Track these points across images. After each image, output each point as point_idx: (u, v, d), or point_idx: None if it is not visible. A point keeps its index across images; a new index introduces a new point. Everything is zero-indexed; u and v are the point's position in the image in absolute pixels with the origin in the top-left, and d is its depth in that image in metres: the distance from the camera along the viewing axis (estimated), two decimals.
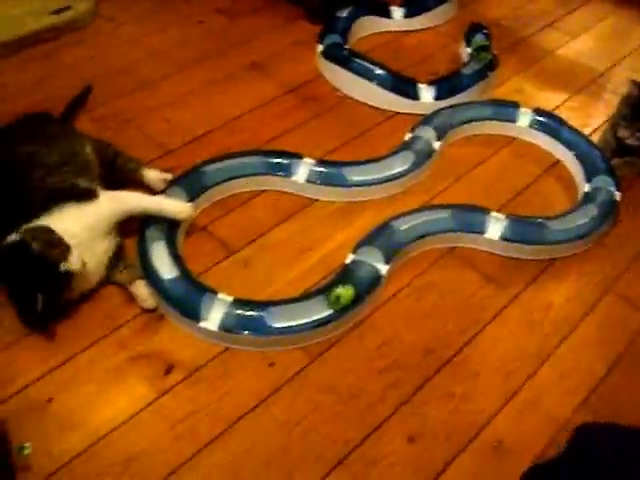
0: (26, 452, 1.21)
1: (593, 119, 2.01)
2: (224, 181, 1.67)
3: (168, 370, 1.35)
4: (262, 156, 1.72)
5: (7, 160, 1.51)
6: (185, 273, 1.45)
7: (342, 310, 1.41)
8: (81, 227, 1.39)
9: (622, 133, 1.77)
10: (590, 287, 1.56)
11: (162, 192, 1.62)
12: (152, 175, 1.64)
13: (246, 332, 1.37)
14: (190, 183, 1.63)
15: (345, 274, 1.48)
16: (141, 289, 1.43)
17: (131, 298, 1.45)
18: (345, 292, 1.41)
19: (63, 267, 1.32)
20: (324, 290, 1.44)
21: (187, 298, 1.41)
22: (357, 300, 1.43)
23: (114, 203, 1.47)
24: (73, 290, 1.40)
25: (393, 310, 1.48)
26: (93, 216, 1.42)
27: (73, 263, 1.33)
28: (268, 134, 1.87)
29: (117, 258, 1.47)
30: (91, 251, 1.40)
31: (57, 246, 1.34)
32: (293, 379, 1.35)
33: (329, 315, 1.40)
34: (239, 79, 2.06)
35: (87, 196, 1.44)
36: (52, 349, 1.37)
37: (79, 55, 2.12)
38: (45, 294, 1.32)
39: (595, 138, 1.91)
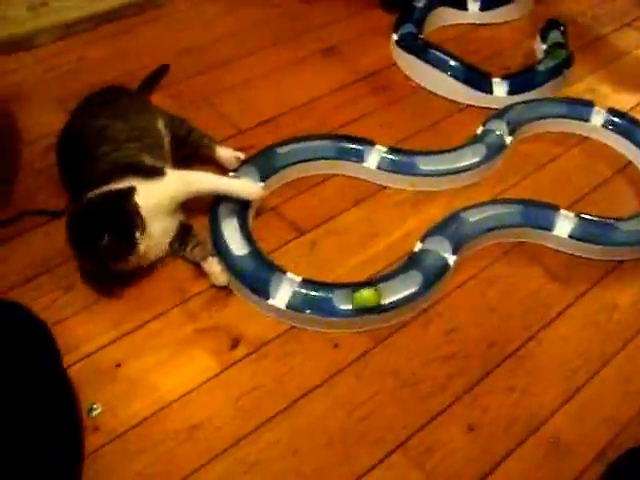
0: (95, 413, 1.26)
1: None
2: (296, 163, 1.69)
3: (234, 344, 1.38)
4: (335, 140, 1.74)
5: (79, 132, 1.55)
6: (256, 251, 1.47)
7: (363, 311, 1.40)
8: (143, 204, 1.40)
9: None
10: None
11: (234, 171, 1.64)
12: (225, 153, 1.67)
13: (313, 312, 1.39)
14: (263, 163, 1.66)
15: (413, 262, 1.49)
16: (214, 266, 1.45)
17: (202, 272, 1.48)
18: (368, 295, 1.40)
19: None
20: (392, 276, 1.46)
21: (257, 275, 1.44)
22: (378, 308, 1.41)
23: (181, 184, 1.48)
24: (129, 260, 1.41)
25: (458, 301, 1.49)
26: (156, 194, 1.44)
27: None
28: (339, 120, 1.88)
29: (184, 236, 1.49)
30: (151, 229, 1.41)
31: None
32: (356, 362, 1.37)
33: (395, 301, 1.41)
34: (312, 64, 2.08)
35: (152, 174, 1.46)
36: (122, 316, 1.41)
37: (157, 33, 2.15)
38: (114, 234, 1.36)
39: None
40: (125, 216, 1.38)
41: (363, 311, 1.40)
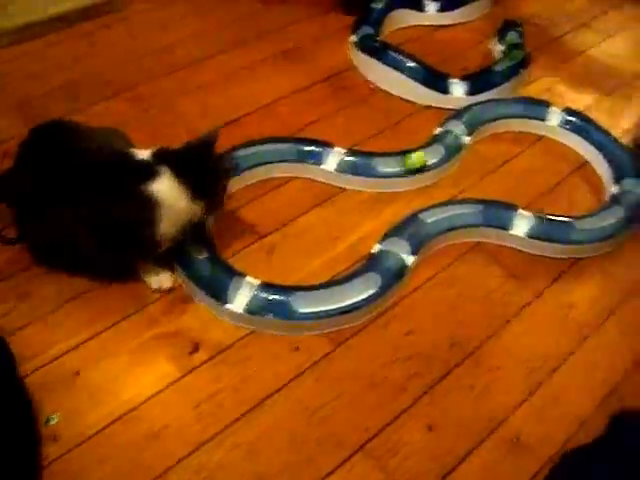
0: (52, 422, 1.24)
1: (623, 120, 2.01)
2: (255, 166, 1.68)
3: (194, 350, 1.37)
4: (294, 143, 1.74)
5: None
6: (214, 255, 1.47)
7: (415, 171, 1.67)
8: None
9: None
10: (614, 288, 1.57)
11: None
12: None
13: (272, 316, 1.39)
14: None
15: (371, 263, 1.49)
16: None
17: None
18: (418, 157, 1.66)
19: None
20: (350, 278, 1.46)
21: (215, 279, 1.43)
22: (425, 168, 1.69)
23: None
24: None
25: (418, 301, 1.50)
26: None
27: None
28: (300, 122, 1.88)
29: None
30: None
31: None
32: (317, 364, 1.37)
33: (354, 303, 1.41)
34: (273, 66, 2.08)
35: None
36: (80, 324, 1.39)
37: (116, 36, 2.14)
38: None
39: (625, 139, 1.91)
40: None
41: (413, 172, 1.66)
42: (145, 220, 1.35)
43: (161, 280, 1.46)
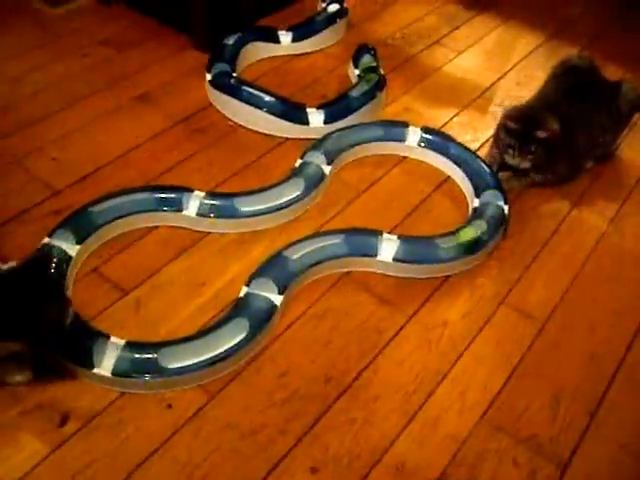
0: None
1: (481, 133, 2.06)
2: (113, 220, 1.63)
3: (63, 421, 1.31)
4: (151, 192, 1.69)
5: None
6: (75, 318, 1.40)
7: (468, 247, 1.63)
8: None
9: (513, 161, 1.83)
10: (483, 301, 1.60)
11: (49, 235, 1.57)
12: None
13: (140, 375, 1.35)
14: (78, 224, 1.59)
15: (239, 308, 1.46)
16: None
17: None
18: (468, 231, 1.64)
19: None
20: (218, 326, 1.43)
21: (78, 344, 1.37)
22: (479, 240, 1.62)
23: None
24: None
25: (290, 340, 1.48)
26: None
27: None
28: (159, 168, 1.84)
29: None
30: None
31: None
32: (192, 419, 1.33)
33: (223, 351, 1.38)
34: (128, 112, 2.03)
35: None
36: None
37: None
38: None
39: (483, 152, 1.96)
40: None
41: (468, 247, 1.62)
42: None
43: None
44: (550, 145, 1.79)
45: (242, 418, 1.34)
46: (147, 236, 1.66)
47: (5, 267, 1.31)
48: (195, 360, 1.36)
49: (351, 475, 1.27)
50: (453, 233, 1.66)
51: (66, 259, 1.53)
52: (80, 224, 1.60)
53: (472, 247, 1.64)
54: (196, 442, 1.30)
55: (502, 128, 1.84)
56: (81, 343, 1.38)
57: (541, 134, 1.77)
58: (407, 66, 2.34)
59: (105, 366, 1.35)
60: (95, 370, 1.35)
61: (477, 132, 2.07)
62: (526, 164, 1.83)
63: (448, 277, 1.63)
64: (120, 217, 1.64)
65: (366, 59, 2.20)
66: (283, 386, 1.39)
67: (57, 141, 1.91)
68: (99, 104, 2.05)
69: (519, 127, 1.80)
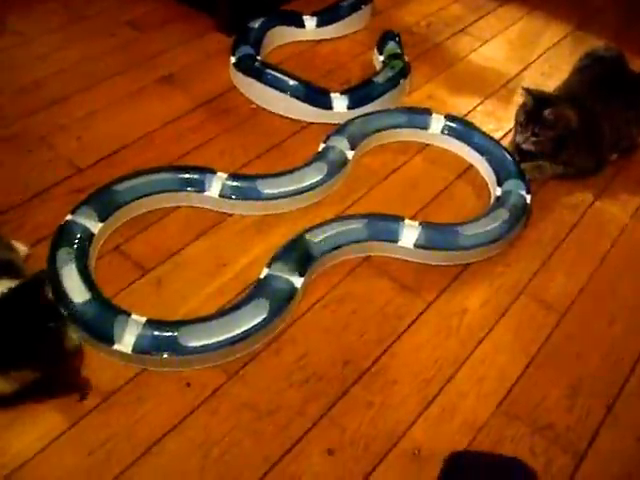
0: None
1: (504, 123, 2.05)
2: (136, 199, 1.64)
3: (82, 396, 1.32)
4: (174, 172, 1.70)
5: None
6: (97, 295, 1.42)
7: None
8: None
9: (518, 138, 1.84)
10: (503, 290, 1.59)
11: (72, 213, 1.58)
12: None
13: (160, 353, 1.36)
14: (101, 202, 1.60)
15: (260, 289, 1.47)
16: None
17: None
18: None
19: None
20: (238, 306, 1.44)
21: (100, 321, 1.38)
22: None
23: None
24: None
25: (309, 323, 1.48)
26: None
27: None
28: (181, 149, 1.85)
29: None
30: None
31: None
32: (210, 398, 1.34)
33: (243, 332, 1.39)
34: (151, 93, 2.04)
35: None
36: None
37: None
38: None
39: (506, 142, 1.95)
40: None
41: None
42: None
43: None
44: (563, 136, 1.79)
45: (260, 398, 1.34)
46: (169, 216, 1.67)
47: None
48: (215, 339, 1.37)
49: (367, 458, 1.28)
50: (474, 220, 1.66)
51: (88, 237, 1.54)
52: (103, 202, 1.61)
53: None
54: (213, 421, 1.31)
55: (521, 104, 1.86)
56: (102, 320, 1.39)
57: (548, 115, 1.77)
58: (431, 54, 2.34)
59: (125, 343, 1.36)
60: (115, 346, 1.36)
61: (500, 122, 2.06)
62: (530, 146, 1.83)
63: (468, 265, 1.63)
64: (143, 196, 1.65)
65: (391, 46, 2.19)
66: (301, 368, 1.40)
67: (81, 120, 1.92)
68: (124, 84, 2.05)
69: (531, 104, 1.81)
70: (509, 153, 1.86)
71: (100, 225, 1.57)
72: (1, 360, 1.23)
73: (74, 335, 1.33)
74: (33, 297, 1.25)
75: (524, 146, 1.83)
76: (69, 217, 1.56)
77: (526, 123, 1.81)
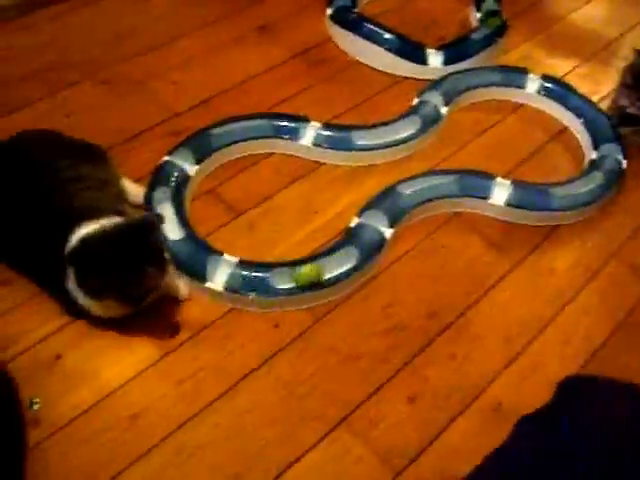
0: (36, 407, 1.24)
1: (602, 86, 2.00)
2: (232, 143, 1.67)
3: (174, 329, 1.37)
4: (269, 119, 1.72)
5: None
6: (191, 234, 1.46)
7: (308, 288, 1.40)
8: None
9: (623, 101, 1.78)
10: (593, 254, 1.57)
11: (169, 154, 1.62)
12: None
13: (251, 292, 1.39)
14: (197, 145, 1.64)
15: (350, 237, 1.49)
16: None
17: None
18: (308, 270, 1.40)
19: None
20: (328, 252, 1.46)
21: (193, 259, 1.43)
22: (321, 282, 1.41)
23: None
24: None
25: (397, 273, 1.50)
26: None
27: None
28: (276, 98, 1.87)
29: None
30: None
31: None
32: (297, 340, 1.37)
33: (332, 277, 1.42)
34: (247, 42, 2.05)
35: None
36: (60, 308, 1.39)
37: (88, 17, 2.10)
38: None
39: (604, 105, 1.91)
40: (159, 245, 1.33)
41: (308, 288, 1.40)
42: None
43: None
44: None
45: (345, 343, 1.37)
46: (262, 162, 1.70)
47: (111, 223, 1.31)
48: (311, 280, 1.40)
49: (448, 408, 1.29)
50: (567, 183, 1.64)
51: (184, 178, 1.58)
52: (200, 145, 1.64)
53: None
54: (299, 362, 1.34)
55: (628, 65, 1.79)
56: (196, 258, 1.43)
57: None
58: (530, 12, 2.29)
59: (218, 281, 1.40)
60: (208, 284, 1.40)
61: (599, 85, 2.01)
62: (635, 110, 1.76)
63: (558, 226, 1.61)
64: (238, 141, 1.68)
65: (489, 3, 2.15)
66: (387, 317, 1.42)
67: (179, 66, 1.95)
68: (221, 32, 2.08)
69: None
70: (607, 116, 1.82)
71: (196, 167, 1.60)
72: (93, 286, 1.29)
73: (182, 284, 1.40)
74: (142, 235, 1.30)
75: (630, 110, 1.77)
76: (166, 158, 1.61)
77: (634, 86, 1.75)
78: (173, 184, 1.55)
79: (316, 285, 1.41)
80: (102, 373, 1.30)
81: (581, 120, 1.82)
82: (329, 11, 2.09)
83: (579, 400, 1.04)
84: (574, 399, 1.06)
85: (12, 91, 1.81)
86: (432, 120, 1.77)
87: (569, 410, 1.02)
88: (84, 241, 1.28)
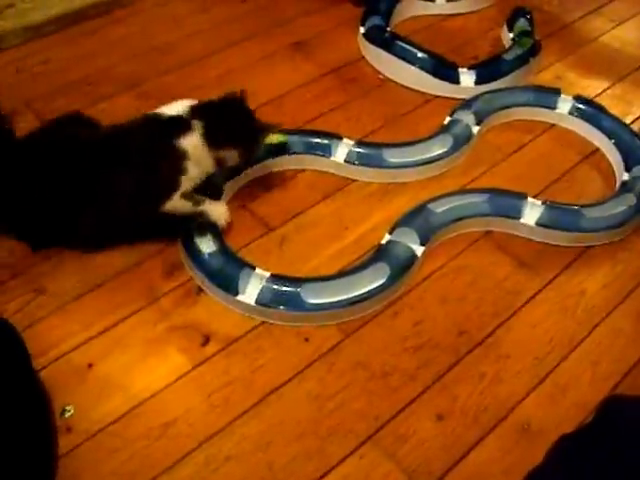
0: (68, 414, 1.26)
1: (635, 108, 2.00)
2: (264, 159, 1.69)
3: (205, 341, 1.39)
4: (302, 135, 1.74)
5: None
6: (224, 248, 1.48)
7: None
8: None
9: None
10: (624, 276, 1.57)
11: None
12: None
13: (282, 307, 1.40)
14: None
15: (381, 254, 1.50)
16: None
17: (171, 270, 1.50)
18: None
19: None
20: (359, 269, 1.47)
21: (225, 272, 1.45)
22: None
23: None
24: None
25: (427, 291, 1.50)
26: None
27: None
28: (308, 114, 1.89)
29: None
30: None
31: None
32: (326, 355, 1.38)
33: (363, 293, 1.42)
34: (281, 59, 2.08)
35: None
36: (93, 317, 1.41)
37: (125, 32, 2.15)
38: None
39: (636, 127, 1.90)
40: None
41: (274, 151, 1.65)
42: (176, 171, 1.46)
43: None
44: None
45: (374, 359, 1.38)
46: (295, 178, 1.72)
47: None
48: (335, 298, 1.41)
49: (476, 427, 1.29)
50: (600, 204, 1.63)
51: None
52: None
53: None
54: (328, 377, 1.35)
55: None
56: (228, 271, 1.45)
57: None
58: (562, 33, 2.29)
59: (249, 294, 1.41)
60: (239, 297, 1.42)
61: (631, 106, 2.01)
62: None
63: (590, 247, 1.61)
64: (270, 157, 1.70)
65: (521, 23, 2.16)
66: (417, 334, 1.42)
67: (213, 81, 1.98)
68: (255, 48, 2.11)
69: None
70: (639, 138, 1.82)
71: (229, 182, 1.62)
72: (217, 140, 1.48)
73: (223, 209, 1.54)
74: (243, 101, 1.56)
75: None
76: None
77: None
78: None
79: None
80: (134, 382, 1.32)
81: (613, 141, 1.82)
82: (362, 29, 2.11)
83: (621, 420, 1.04)
84: (616, 418, 1.05)
85: (49, 104, 1.84)
86: (464, 139, 1.78)
87: (610, 430, 1.01)
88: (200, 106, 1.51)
